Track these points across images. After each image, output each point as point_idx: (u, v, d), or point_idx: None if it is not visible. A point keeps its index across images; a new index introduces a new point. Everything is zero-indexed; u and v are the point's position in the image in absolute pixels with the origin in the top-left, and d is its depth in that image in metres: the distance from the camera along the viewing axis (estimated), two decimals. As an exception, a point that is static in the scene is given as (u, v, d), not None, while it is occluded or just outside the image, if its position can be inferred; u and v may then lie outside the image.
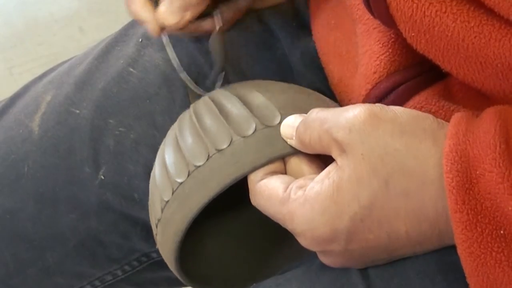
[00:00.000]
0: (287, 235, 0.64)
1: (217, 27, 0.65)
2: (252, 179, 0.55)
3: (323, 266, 0.59)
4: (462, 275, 0.50)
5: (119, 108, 0.73)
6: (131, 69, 0.73)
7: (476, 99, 0.58)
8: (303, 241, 0.54)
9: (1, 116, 0.77)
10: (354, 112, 0.51)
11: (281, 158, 0.56)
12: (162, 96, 0.72)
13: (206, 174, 0.56)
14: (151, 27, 0.64)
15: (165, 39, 0.65)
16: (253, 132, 0.56)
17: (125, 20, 0.79)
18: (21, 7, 1.84)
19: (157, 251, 0.74)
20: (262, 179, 0.55)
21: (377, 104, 0.52)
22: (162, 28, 0.64)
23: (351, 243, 0.52)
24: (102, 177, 0.72)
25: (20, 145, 0.74)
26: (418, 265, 0.56)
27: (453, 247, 0.49)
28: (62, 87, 0.75)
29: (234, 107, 0.58)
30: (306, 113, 0.56)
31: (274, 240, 0.69)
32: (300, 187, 0.53)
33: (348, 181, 0.50)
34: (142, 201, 0.71)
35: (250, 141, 0.56)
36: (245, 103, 0.58)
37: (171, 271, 0.63)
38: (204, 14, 0.64)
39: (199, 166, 0.56)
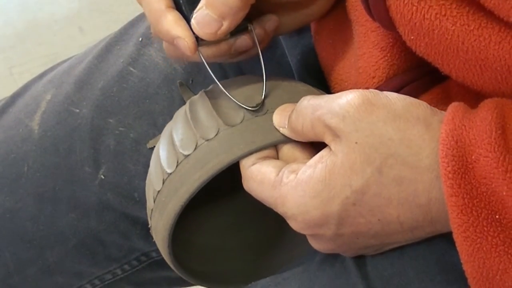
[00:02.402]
0: (288, 234, 0.65)
1: (257, 42, 0.61)
2: (244, 164, 0.56)
3: (322, 266, 0.59)
4: (461, 274, 0.50)
5: (119, 107, 0.73)
6: (131, 69, 0.74)
7: (474, 103, 0.58)
8: (294, 225, 0.54)
9: (1, 115, 0.77)
10: (347, 98, 0.51)
11: (273, 145, 0.56)
12: (162, 95, 0.72)
13: (192, 163, 0.56)
14: (187, 44, 0.57)
15: (201, 55, 0.59)
16: (241, 122, 0.57)
17: (125, 20, 0.79)
18: (21, 7, 1.84)
19: (156, 250, 0.74)
20: (254, 163, 0.55)
21: (370, 90, 0.52)
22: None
23: (342, 227, 0.52)
24: (102, 177, 0.72)
25: (20, 144, 0.74)
26: (418, 265, 0.56)
27: (453, 247, 0.49)
28: (62, 86, 0.75)
29: (225, 99, 0.59)
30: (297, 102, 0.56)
31: (275, 239, 0.69)
32: (293, 171, 0.53)
33: (341, 166, 0.51)
34: (142, 201, 0.71)
35: (237, 130, 0.56)
36: (235, 94, 0.59)
37: (171, 271, 0.63)
38: (237, 31, 0.60)
39: (188, 156, 0.56)
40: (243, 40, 0.61)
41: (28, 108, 0.75)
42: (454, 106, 0.50)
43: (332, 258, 0.59)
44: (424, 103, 0.52)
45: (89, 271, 0.75)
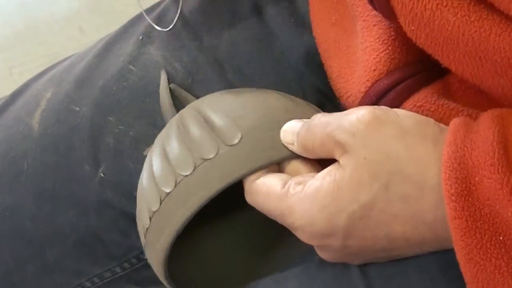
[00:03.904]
0: (285, 235, 0.65)
1: None
2: (248, 178, 0.56)
3: (322, 265, 0.59)
4: (462, 274, 0.50)
5: (118, 106, 0.73)
6: (131, 67, 0.74)
7: (475, 97, 0.58)
8: (301, 236, 0.54)
9: (1, 113, 0.77)
10: (357, 115, 0.52)
11: (278, 162, 0.56)
12: (162, 94, 0.72)
13: (193, 184, 0.56)
14: None
15: None
16: (240, 140, 0.56)
17: (125, 20, 0.79)
18: (21, 7, 1.84)
19: (156, 249, 0.74)
20: (258, 177, 0.55)
21: (381, 107, 0.52)
22: None
23: (349, 240, 0.52)
24: (102, 175, 0.72)
25: (19, 142, 0.74)
26: (419, 264, 0.56)
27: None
28: (62, 84, 0.75)
29: (218, 117, 0.59)
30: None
31: (272, 241, 0.69)
32: (299, 183, 0.53)
33: (349, 181, 0.51)
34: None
35: (236, 150, 0.56)
36: (227, 114, 0.58)
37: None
38: None
39: (187, 176, 0.56)
40: None
41: (28, 106, 0.75)
42: (455, 125, 0.50)
43: (333, 257, 0.59)
44: (432, 121, 0.52)
45: (88, 269, 0.75)
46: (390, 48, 0.59)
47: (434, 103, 0.58)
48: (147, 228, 0.59)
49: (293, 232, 0.55)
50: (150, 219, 0.58)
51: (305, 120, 0.56)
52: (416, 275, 0.56)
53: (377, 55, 0.60)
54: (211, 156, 0.56)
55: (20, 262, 0.75)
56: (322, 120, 0.54)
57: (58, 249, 0.74)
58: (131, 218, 0.73)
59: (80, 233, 0.73)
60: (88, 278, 0.76)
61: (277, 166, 0.57)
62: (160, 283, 0.81)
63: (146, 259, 0.76)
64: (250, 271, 0.68)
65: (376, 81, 0.60)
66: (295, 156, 0.56)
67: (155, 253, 0.58)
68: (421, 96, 0.59)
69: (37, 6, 1.83)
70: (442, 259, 0.55)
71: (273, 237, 0.69)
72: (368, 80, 0.60)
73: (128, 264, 0.76)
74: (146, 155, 0.71)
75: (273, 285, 0.60)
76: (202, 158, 0.56)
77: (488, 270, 0.47)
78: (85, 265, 0.75)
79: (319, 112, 0.61)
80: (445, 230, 0.50)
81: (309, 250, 0.59)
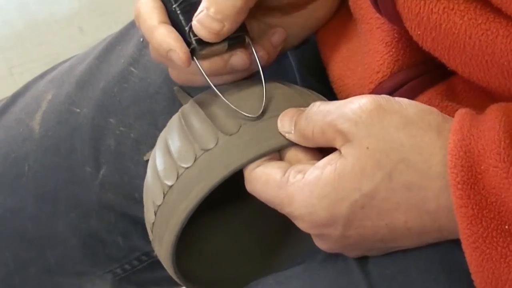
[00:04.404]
0: (290, 233, 0.64)
1: (257, 57, 0.60)
2: (248, 167, 0.55)
3: (324, 264, 0.59)
4: (465, 274, 0.50)
5: (120, 107, 0.73)
6: (132, 69, 0.74)
7: (479, 99, 0.58)
8: (301, 225, 0.54)
9: (2, 115, 0.77)
10: (359, 103, 0.52)
11: (278, 150, 0.56)
12: (162, 95, 0.72)
13: (194, 175, 0.56)
14: (181, 55, 0.56)
15: (197, 63, 0.58)
16: (238, 130, 0.56)
17: (125, 20, 0.79)
18: (21, 7, 1.84)
19: (157, 250, 0.75)
20: (258, 166, 0.55)
21: (383, 96, 0.52)
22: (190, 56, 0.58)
23: (348, 229, 0.52)
24: (103, 177, 0.72)
25: (20, 144, 0.74)
26: (421, 264, 0.56)
27: (457, 246, 0.49)
28: (63, 86, 0.75)
29: (218, 109, 0.59)
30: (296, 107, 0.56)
31: (278, 238, 0.69)
32: (299, 171, 0.53)
33: (351, 170, 0.51)
34: (143, 201, 0.71)
35: (237, 138, 0.56)
36: (227, 105, 0.58)
37: (172, 271, 0.63)
38: (233, 43, 0.59)
39: (188, 168, 0.56)
40: (239, 57, 0.60)
41: (29, 107, 0.75)
42: (460, 115, 0.50)
43: (335, 256, 0.59)
44: (436, 110, 0.52)
45: (90, 270, 0.76)
46: (393, 50, 0.59)
47: (438, 105, 0.58)
48: (153, 223, 0.59)
49: (293, 221, 0.55)
50: (155, 213, 0.58)
51: (302, 108, 0.56)
52: (419, 274, 0.56)
53: (381, 57, 0.60)
54: (211, 146, 0.56)
55: (21, 264, 0.75)
56: (322, 108, 0.54)
57: (59, 251, 0.74)
58: (132, 220, 0.73)
59: (81, 234, 0.73)
60: (89, 280, 0.76)
61: (278, 154, 0.56)
62: (161, 284, 0.81)
63: (147, 261, 0.77)
64: (257, 268, 0.68)
65: (380, 83, 0.60)
66: (295, 144, 0.56)
67: (162, 247, 0.58)
68: (425, 98, 0.59)
69: (37, 6, 1.83)
70: (445, 259, 0.56)
71: (279, 234, 0.69)
72: (371, 82, 0.60)
73: (129, 265, 0.76)
74: (147, 158, 0.71)
75: (274, 286, 0.60)
76: (203, 149, 0.56)
77: (494, 259, 0.48)
78: (86, 266, 0.75)
79: (323, 98, 0.61)
80: (448, 219, 0.50)
81: (311, 249, 0.59)
